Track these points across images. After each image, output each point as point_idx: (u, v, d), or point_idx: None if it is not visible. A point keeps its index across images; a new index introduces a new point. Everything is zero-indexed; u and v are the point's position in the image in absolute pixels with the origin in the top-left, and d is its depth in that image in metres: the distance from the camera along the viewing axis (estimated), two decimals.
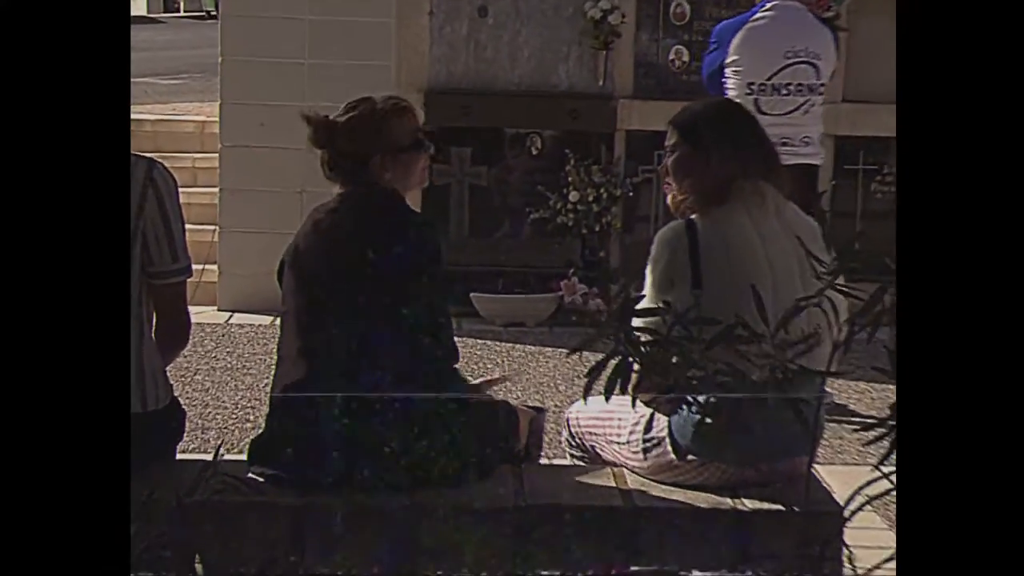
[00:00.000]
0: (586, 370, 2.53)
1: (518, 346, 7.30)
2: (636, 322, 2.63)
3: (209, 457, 3.96)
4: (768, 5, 6.15)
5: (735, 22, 6.25)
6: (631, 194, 8.17)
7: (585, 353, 2.55)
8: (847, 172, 8.23)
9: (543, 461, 4.11)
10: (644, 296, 3.54)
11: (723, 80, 6.15)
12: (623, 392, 2.53)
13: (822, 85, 6.16)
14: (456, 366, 3.61)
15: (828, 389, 6.05)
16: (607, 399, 2.54)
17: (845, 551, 3.02)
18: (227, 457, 5.09)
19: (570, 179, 8.07)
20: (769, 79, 6.06)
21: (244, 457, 3.60)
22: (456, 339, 3.65)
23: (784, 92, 6.07)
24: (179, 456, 3.87)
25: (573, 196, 8.05)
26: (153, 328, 3.55)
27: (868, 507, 2.86)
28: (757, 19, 6.14)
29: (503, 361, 7.00)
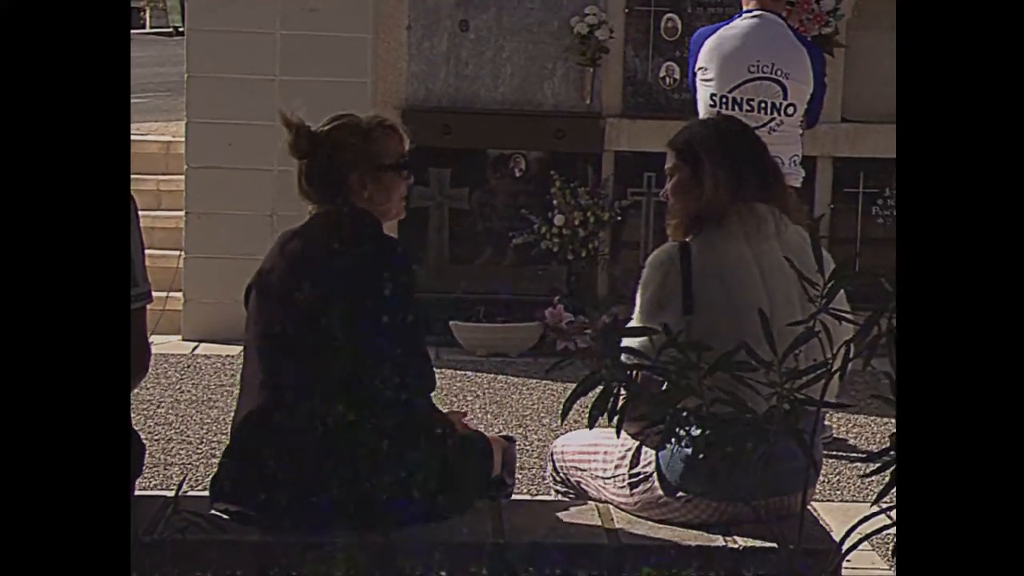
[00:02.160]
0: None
1: (500, 377, 7.29)
2: (625, 343, 2.62)
3: (171, 493, 3.94)
4: (745, 15, 6.16)
5: (708, 30, 6.28)
6: (619, 218, 8.18)
7: (569, 384, 2.56)
8: (846, 195, 8.23)
9: (524, 496, 4.10)
10: (632, 321, 3.55)
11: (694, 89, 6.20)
12: (608, 421, 2.53)
13: (791, 106, 6.09)
14: (431, 394, 3.60)
15: (826, 423, 6.05)
16: (590, 427, 2.54)
17: None
18: (191, 494, 5.09)
19: (555, 202, 8.07)
20: (730, 91, 6.05)
21: (207, 494, 3.58)
22: (435, 370, 3.65)
23: (746, 108, 6.04)
24: (138, 492, 3.85)
25: (558, 220, 8.06)
26: None
27: (868, 546, 2.85)
28: (729, 29, 6.16)
29: (483, 393, 6.99)
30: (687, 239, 3.62)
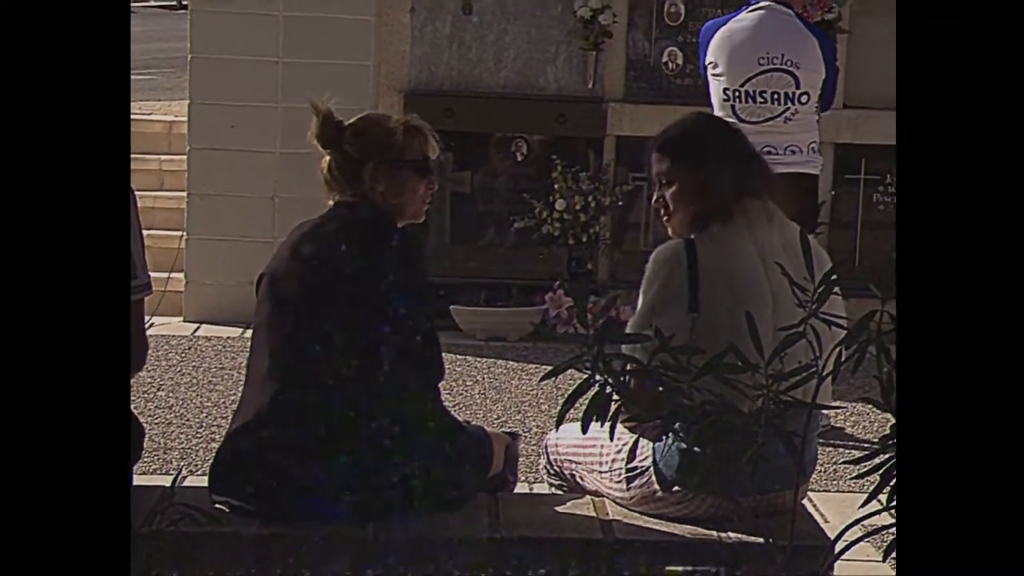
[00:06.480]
0: (570, 390, 2.55)
1: (499, 362, 7.32)
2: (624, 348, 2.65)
3: (170, 480, 3.96)
4: (752, 7, 6.18)
5: (717, 23, 6.30)
6: (620, 203, 8.19)
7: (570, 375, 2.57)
8: (847, 181, 8.26)
9: (523, 483, 4.13)
10: (630, 320, 3.56)
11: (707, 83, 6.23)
12: (601, 424, 2.56)
13: (804, 94, 6.12)
14: (439, 384, 3.63)
15: (824, 412, 6.08)
16: (584, 431, 2.57)
17: None
18: (190, 480, 5.12)
19: (557, 186, 8.09)
20: (743, 85, 6.09)
21: (207, 481, 3.61)
22: None
23: (760, 100, 6.08)
24: (137, 480, 3.88)
25: (560, 204, 8.08)
26: None
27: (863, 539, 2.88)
28: (737, 21, 6.18)
29: (483, 378, 7.02)
30: (691, 236, 3.62)
